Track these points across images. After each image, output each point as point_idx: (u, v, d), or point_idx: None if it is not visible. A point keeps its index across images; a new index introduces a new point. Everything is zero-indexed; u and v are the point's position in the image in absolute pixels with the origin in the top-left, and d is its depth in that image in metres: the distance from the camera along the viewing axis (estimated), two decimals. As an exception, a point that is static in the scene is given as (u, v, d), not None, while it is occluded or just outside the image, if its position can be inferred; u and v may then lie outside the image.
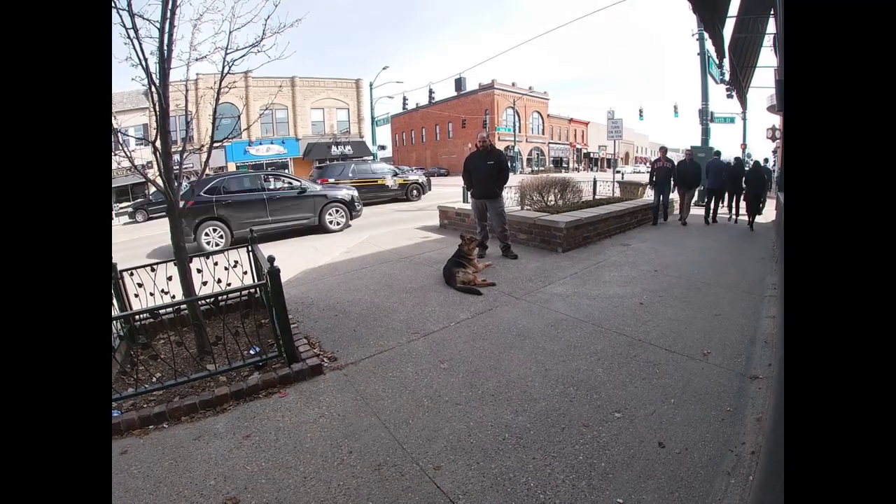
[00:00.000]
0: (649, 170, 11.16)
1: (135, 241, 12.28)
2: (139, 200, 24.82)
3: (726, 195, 11.50)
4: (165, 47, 3.24)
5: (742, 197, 10.90)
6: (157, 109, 3.33)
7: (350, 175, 16.80)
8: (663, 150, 10.89)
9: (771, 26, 10.29)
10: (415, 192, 18.78)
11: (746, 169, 11.28)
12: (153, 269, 4.23)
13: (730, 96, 19.51)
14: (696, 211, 11.44)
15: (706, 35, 13.52)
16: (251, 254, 4.96)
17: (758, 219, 10.09)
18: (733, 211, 11.49)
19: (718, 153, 12.25)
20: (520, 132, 46.46)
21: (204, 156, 3.84)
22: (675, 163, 10.66)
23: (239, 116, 5.98)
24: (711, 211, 10.75)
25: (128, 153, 3.45)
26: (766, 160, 18.18)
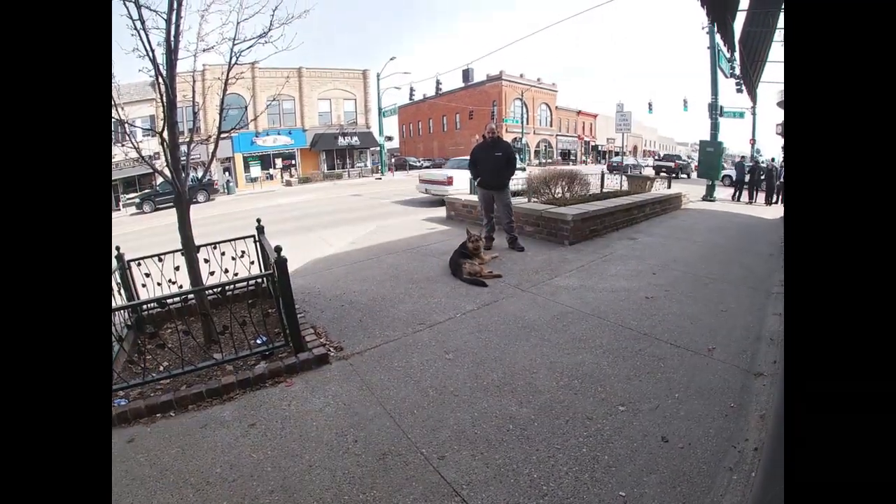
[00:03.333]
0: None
1: (141, 231, 12.32)
2: (146, 191, 25.00)
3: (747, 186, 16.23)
4: (172, 38, 3.24)
5: (760, 189, 16.19)
6: (165, 100, 3.34)
7: None
8: None
9: (782, 21, 10.14)
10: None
11: (765, 168, 16.47)
12: (160, 259, 4.27)
13: (739, 90, 19.37)
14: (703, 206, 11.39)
15: (716, 29, 13.34)
16: (258, 244, 4.99)
17: (768, 215, 11.56)
18: (753, 198, 16.06)
19: (743, 157, 19.01)
20: (527, 124, 46.03)
21: (211, 146, 3.85)
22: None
23: (246, 107, 5.99)
24: (737, 194, 16.37)
25: (135, 144, 3.47)
26: (773, 159, 18.24)
